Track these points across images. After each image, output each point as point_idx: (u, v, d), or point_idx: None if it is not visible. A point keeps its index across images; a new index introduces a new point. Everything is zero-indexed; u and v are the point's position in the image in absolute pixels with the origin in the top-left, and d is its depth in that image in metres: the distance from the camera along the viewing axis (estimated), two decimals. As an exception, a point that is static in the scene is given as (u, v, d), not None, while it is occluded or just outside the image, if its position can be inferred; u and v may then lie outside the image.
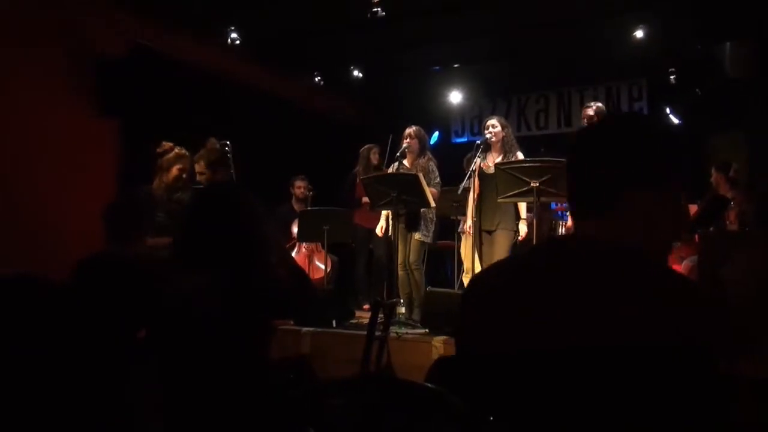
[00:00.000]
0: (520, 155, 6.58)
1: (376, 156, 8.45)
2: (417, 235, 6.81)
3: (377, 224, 7.43)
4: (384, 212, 7.16)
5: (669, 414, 1.27)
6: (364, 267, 8.79)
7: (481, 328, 1.57)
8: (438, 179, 6.91)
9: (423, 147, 6.99)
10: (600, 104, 6.47)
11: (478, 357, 1.56)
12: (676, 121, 9.75)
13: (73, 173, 6.67)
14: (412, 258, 6.81)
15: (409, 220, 6.80)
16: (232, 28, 8.01)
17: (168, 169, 5.80)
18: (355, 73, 9.54)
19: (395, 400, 1.53)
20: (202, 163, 6.18)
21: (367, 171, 8.16)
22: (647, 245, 1.50)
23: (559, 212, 7.21)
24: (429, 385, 1.52)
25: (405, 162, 6.92)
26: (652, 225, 1.49)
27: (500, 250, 6.52)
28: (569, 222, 6.85)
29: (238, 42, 8.10)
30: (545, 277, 1.48)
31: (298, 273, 3.00)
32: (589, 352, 1.31)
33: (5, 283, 2.88)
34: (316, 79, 9.73)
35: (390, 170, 7.04)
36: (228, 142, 6.49)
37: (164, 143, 5.89)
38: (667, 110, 9.86)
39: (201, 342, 2.60)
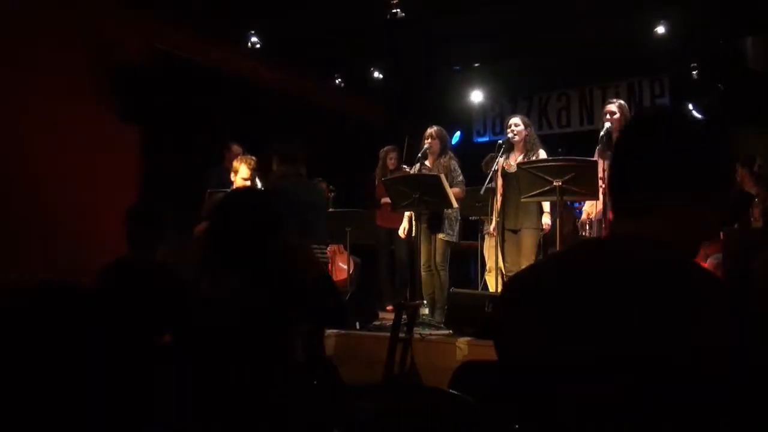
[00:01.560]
0: (542, 154, 6.53)
1: (392, 160, 8.44)
2: (441, 235, 6.77)
3: (399, 225, 7.42)
4: (407, 213, 7.14)
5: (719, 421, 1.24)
6: (386, 268, 8.78)
7: (518, 331, 1.52)
8: (461, 177, 6.86)
9: (444, 147, 6.96)
10: (622, 101, 6.40)
11: (515, 362, 1.51)
12: (698, 116, 9.66)
13: (94, 177, 6.72)
14: (438, 259, 6.78)
15: (432, 220, 6.77)
16: (252, 31, 8.03)
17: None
18: (376, 74, 9.54)
19: (420, 407, 1.53)
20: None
21: (384, 173, 8.16)
22: (679, 246, 1.46)
23: (580, 211, 7.08)
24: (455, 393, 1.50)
25: (426, 163, 6.90)
26: (690, 229, 1.45)
27: (527, 249, 6.49)
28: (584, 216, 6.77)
29: (258, 45, 8.12)
30: (587, 279, 1.42)
31: (323, 277, 3.01)
32: (629, 360, 1.28)
33: (33, 289, 2.91)
34: (337, 81, 9.74)
35: (411, 171, 7.02)
36: None
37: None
38: (690, 106, 9.77)
39: (226, 346, 2.61)
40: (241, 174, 6.14)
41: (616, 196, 1.56)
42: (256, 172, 6.20)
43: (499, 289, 6.47)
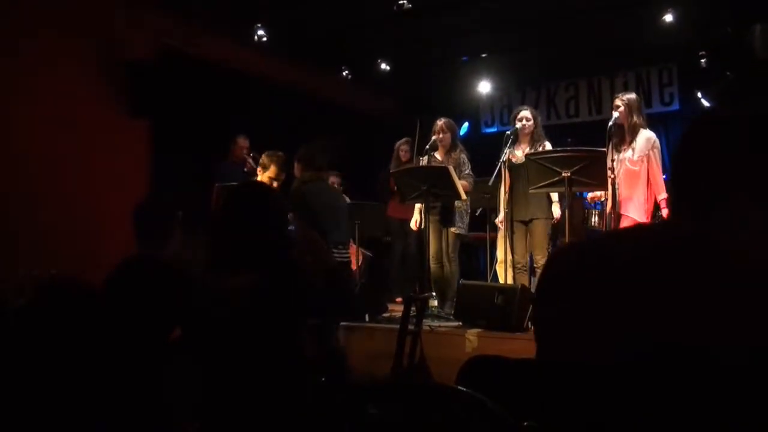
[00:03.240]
0: (548, 146, 6.54)
1: (404, 152, 8.42)
2: (453, 228, 6.79)
3: (411, 216, 7.43)
4: (417, 206, 7.15)
5: None
6: (398, 259, 8.77)
7: (561, 318, 1.37)
8: (470, 171, 6.88)
9: (454, 139, 6.96)
10: (631, 96, 6.30)
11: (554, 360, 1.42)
12: (707, 105, 9.61)
13: (104, 174, 6.73)
14: (449, 250, 6.81)
15: (443, 213, 6.79)
16: (259, 25, 8.01)
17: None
18: (383, 66, 9.52)
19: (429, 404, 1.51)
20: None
21: (398, 166, 8.16)
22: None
23: (593, 203, 6.99)
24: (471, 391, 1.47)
25: (436, 155, 6.90)
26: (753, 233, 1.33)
27: (539, 238, 6.58)
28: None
29: (264, 39, 8.11)
30: (642, 268, 1.30)
31: (334, 272, 3.01)
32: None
33: (41, 286, 2.92)
34: (344, 74, 9.72)
35: (421, 163, 7.02)
36: None
37: None
38: (699, 95, 9.71)
39: (236, 342, 2.61)
40: (268, 173, 6.08)
41: (680, 194, 1.48)
42: (284, 169, 6.15)
43: (509, 281, 6.48)
